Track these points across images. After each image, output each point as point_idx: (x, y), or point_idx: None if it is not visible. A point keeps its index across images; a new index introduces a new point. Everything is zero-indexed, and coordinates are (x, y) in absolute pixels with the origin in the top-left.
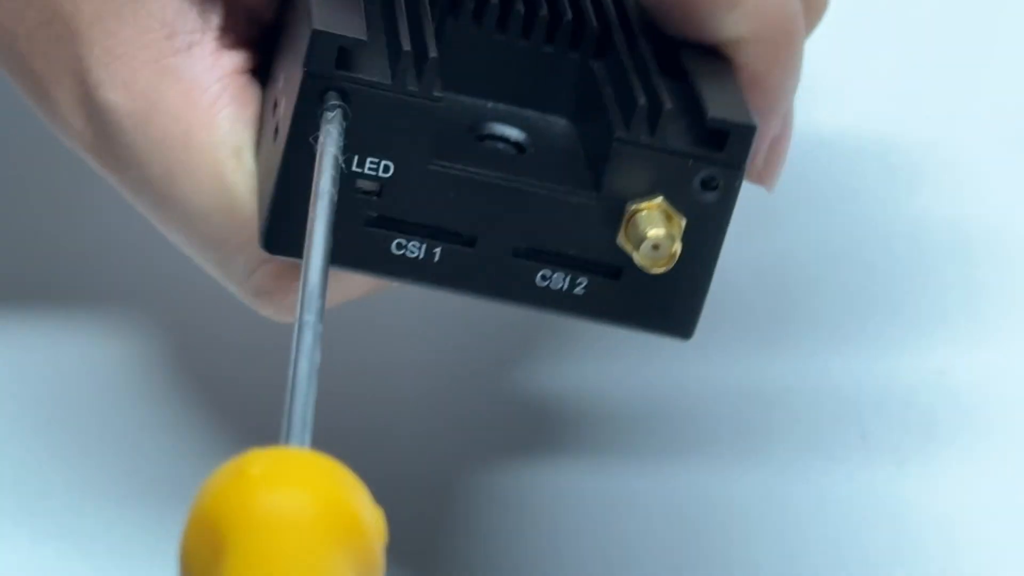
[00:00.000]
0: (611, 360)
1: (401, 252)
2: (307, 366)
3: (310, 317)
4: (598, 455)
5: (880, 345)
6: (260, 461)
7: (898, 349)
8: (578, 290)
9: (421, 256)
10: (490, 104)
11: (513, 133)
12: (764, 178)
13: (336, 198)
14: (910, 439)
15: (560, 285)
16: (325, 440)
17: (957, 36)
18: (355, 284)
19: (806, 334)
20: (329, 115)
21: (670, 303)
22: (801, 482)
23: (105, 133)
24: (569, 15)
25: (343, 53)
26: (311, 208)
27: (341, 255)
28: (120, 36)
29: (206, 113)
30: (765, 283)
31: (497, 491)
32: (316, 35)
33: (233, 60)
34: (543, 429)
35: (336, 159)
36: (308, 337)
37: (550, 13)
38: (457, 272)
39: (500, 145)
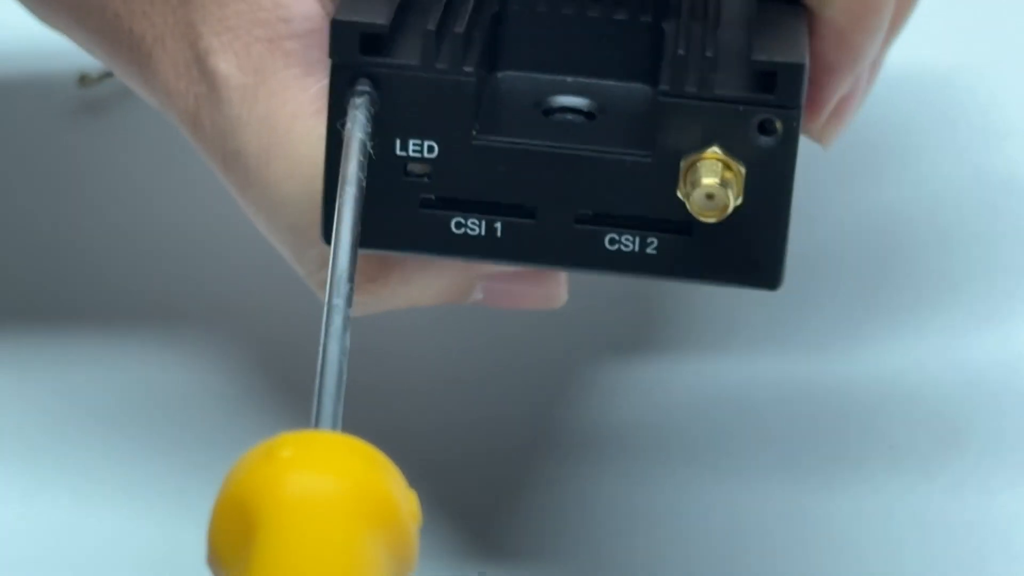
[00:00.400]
0: (630, 364)
1: (461, 231)
2: (336, 349)
3: (338, 301)
4: (615, 464)
5: (904, 348)
6: (290, 443)
7: (925, 352)
8: (650, 250)
9: (482, 232)
10: (567, 79)
11: (580, 102)
12: (823, 135)
13: (365, 183)
14: (937, 447)
15: (630, 247)
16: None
17: None
18: (427, 291)
19: (827, 338)
20: (356, 100)
21: (750, 252)
22: (826, 492)
23: (208, 100)
24: None
25: (368, 39)
26: (338, 193)
27: (401, 240)
28: (232, 7)
29: (318, 100)
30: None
31: (523, 490)
32: (336, 25)
33: None
34: (567, 431)
35: (364, 144)
36: (337, 321)
37: None
38: (522, 245)
39: (569, 116)
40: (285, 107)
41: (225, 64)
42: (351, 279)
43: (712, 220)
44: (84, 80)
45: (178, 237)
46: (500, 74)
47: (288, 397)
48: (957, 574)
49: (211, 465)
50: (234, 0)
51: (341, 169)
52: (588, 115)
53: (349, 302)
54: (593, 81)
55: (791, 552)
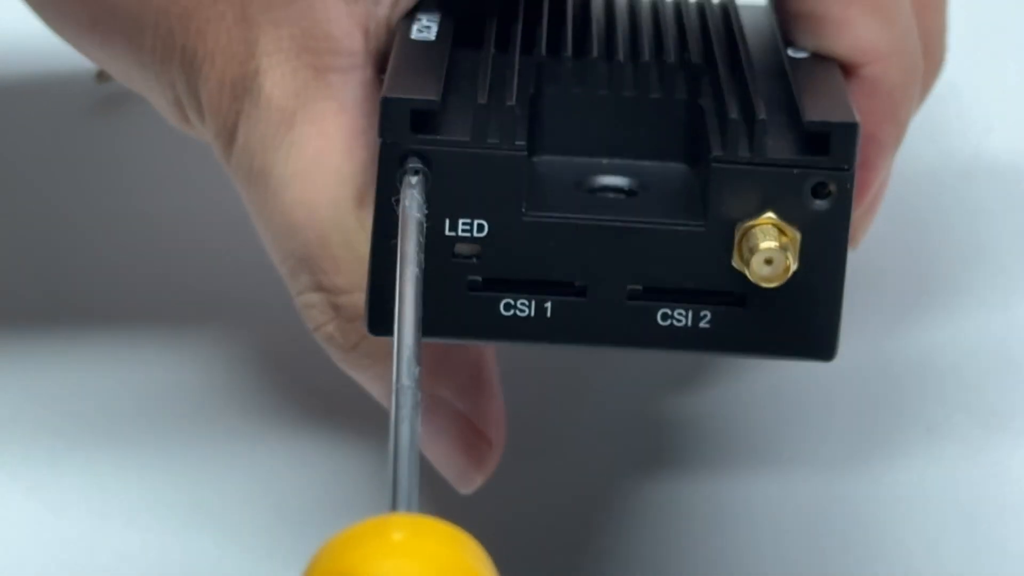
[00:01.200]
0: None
1: (511, 312)
2: (407, 432)
3: (407, 382)
4: (643, 454)
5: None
6: (402, 527)
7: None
8: (703, 323)
9: (532, 314)
10: (603, 160)
11: (621, 182)
12: (856, 230)
13: (423, 264)
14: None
15: (683, 321)
16: None
17: None
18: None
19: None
20: (411, 179)
21: (804, 322)
22: (866, 475)
23: (248, 117)
24: (672, 56)
25: (418, 116)
26: (398, 274)
27: (449, 327)
28: (287, 30)
29: (350, 139)
30: None
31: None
32: (386, 103)
33: None
34: (635, 434)
35: (421, 224)
36: (407, 403)
37: (654, 58)
38: (573, 325)
39: (610, 195)
40: (317, 138)
41: (270, 84)
42: (419, 360)
43: (773, 285)
44: (101, 76)
45: (197, 233)
46: (536, 158)
47: (294, 397)
48: (1001, 554)
49: (219, 462)
50: (289, 24)
51: (400, 248)
52: (629, 192)
53: (419, 384)
54: (631, 162)
55: (828, 537)
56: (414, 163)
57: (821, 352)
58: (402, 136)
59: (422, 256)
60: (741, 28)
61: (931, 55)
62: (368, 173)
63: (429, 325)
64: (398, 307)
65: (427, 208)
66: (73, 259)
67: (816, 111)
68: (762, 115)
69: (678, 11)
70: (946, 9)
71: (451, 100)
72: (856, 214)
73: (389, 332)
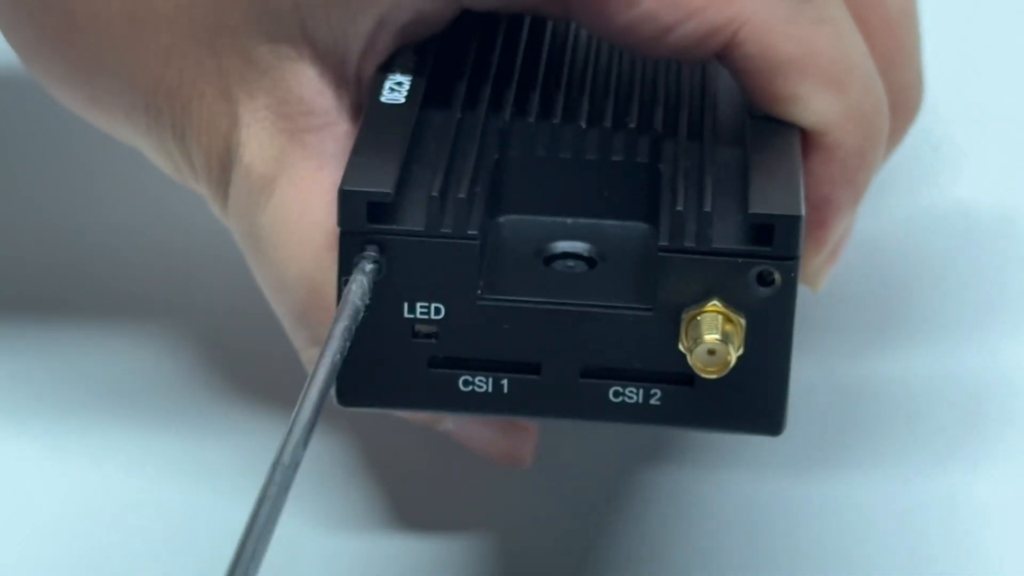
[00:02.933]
0: None
1: (469, 388)
2: (267, 511)
3: (287, 461)
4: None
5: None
6: None
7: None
8: (654, 400)
9: (489, 389)
10: (567, 220)
11: (581, 247)
12: (816, 278)
13: (346, 349)
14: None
15: (635, 398)
16: None
17: None
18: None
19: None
20: (364, 266)
21: (752, 401)
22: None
23: (233, 185)
24: (633, 121)
25: (374, 207)
26: (320, 354)
27: (409, 400)
28: (262, 100)
29: (328, 194)
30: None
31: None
32: (343, 195)
33: None
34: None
35: (358, 311)
36: (279, 481)
37: (613, 122)
38: (529, 400)
39: (570, 263)
40: (297, 199)
41: (250, 155)
42: (306, 444)
43: (714, 376)
44: None
45: (198, 231)
46: (502, 218)
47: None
48: None
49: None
50: (263, 93)
51: (330, 330)
52: (589, 260)
53: (297, 468)
54: (593, 221)
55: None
56: (370, 251)
57: (769, 428)
58: (359, 225)
59: (348, 343)
60: (714, 89)
61: (902, 108)
62: None
63: (391, 397)
64: (305, 387)
65: (378, 294)
66: (74, 253)
67: (762, 200)
68: (707, 207)
69: (654, 69)
70: (918, 61)
71: (409, 183)
72: (815, 261)
73: (360, 404)
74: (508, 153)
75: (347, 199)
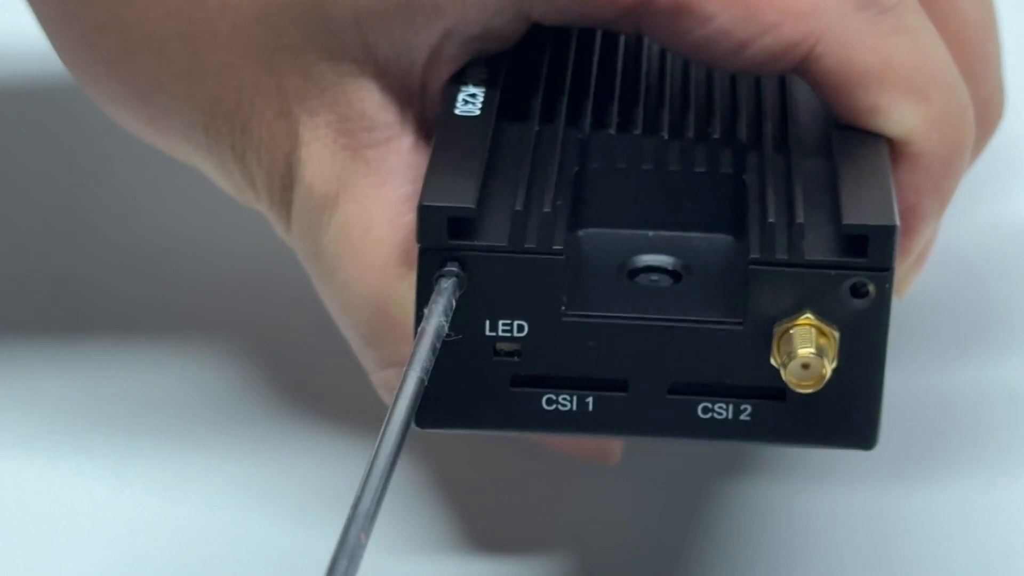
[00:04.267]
0: None
1: (553, 407)
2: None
3: (353, 540)
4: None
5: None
6: None
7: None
8: (744, 416)
9: (574, 408)
10: (649, 233)
11: (666, 261)
12: (901, 284)
13: (431, 370)
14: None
15: (724, 415)
16: None
17: None
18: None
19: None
20: (442, 285)
21: (845, 415)
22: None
23: (295, 205)
24: (716, 132)
25: (455, 223)
26: (400, 381)
27: (491, 419)
28: (322, 118)
29: (392, 210)
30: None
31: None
32: (423, 210)
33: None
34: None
35: (440, 329)
36: (346, 565)
37: (696, 132)
38: (614, 418)
39: (654, 276)
40: (361, 216)
41: (311, 174)
42: (374, 516)
43: (809, 390)
44: None
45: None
46: (583, 232)
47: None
48: None
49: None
50: (324, 111)
51: (412, 351)
52: (674, 274)
53: (365, 542)
54: (676, 234)
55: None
56: (450, 267)
57: (862, 442)
58: (439, 242)
59: (432, 362)
60: (795, 98)
61: (983, 119)
62: None
63: (472, 418)
64: (388, 414)
65: (458, 311)
66: (85, 259)
67: (855, 211)
68: (800, 218)
69: (733, 80)
70: (998, 71)
71: (490, 198)
72: (901, 269)
73: (439, 426)
74: (588, 165)
75: (427, 215)
